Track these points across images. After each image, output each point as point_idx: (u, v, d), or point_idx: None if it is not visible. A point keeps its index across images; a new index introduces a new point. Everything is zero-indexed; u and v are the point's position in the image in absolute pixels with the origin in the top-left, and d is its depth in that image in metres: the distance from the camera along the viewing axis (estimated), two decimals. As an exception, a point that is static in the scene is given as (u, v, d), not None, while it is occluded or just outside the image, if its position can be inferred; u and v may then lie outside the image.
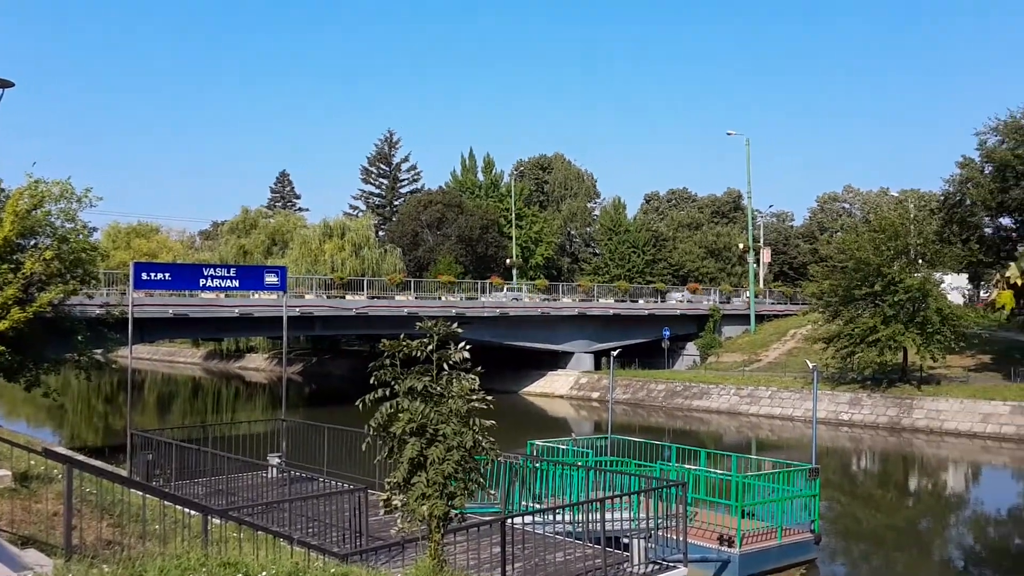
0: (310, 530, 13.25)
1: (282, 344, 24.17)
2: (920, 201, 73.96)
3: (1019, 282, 31.13)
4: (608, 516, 12.80)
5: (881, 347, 39.70)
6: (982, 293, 56.00)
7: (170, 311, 37.77)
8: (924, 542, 22.18)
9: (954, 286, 45.95)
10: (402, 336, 9.03)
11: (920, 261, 42.30)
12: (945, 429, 36.83)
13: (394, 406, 8.81)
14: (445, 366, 8.92)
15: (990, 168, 47.70)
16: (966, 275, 52.13)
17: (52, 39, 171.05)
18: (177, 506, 10.72)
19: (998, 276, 35.11)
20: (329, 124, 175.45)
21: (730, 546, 15.49)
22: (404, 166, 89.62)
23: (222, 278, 21.26)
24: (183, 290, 33.60)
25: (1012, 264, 34.95)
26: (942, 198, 54.39)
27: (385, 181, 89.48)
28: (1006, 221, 50.01)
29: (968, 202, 49.08)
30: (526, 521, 13.14)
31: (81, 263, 29.30)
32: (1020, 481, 30.95)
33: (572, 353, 55.09)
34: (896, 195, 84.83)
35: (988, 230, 50.68)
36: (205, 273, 21.46)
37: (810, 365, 22.49)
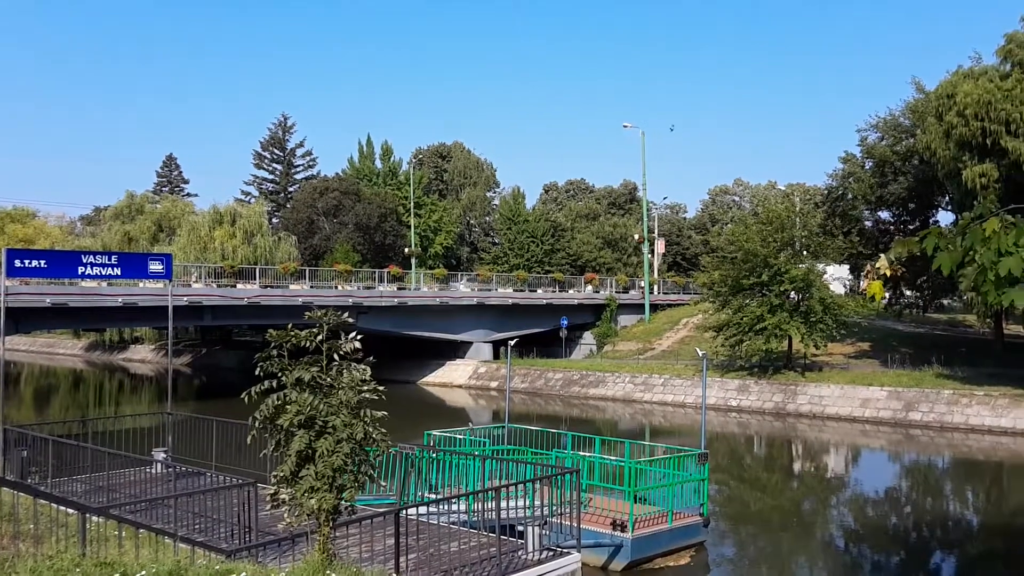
0: (197, 527, 12.81)
1: (168, 335, 23.29)
2: (805, 195, 77.12)
3: (888, 273, 32.72)
4: (504, 504, 12.84)
5: (768, 335, 41.14)
6: (861, 284, 58.78)
7: (47, 300, 35.97)
8: (807, 522, 23.10)
9: (836, 277, 48.06)
10: (290, 326, 8.78)
11: (804, 252, 44.00)
12: (827, 414, 38.46)
13: (281, 398, 8.57)
14: (335, 356, 8.73)
15: (870, 164, 50.08)
16: (847, 266, 54.57)
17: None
18: (53, 504, 10.24)
19: (868, 267, 36.85)
20: (219, 107, 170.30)
21: (623, 531, 15.76)
22: (299, 151, 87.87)
23: (103, 265, 20.27)
24: (62, 278, 31.98)
25: (882, 256, 36.55)
26: (826, 192, 56.83)
27: (279, 167, 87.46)
28: (884, 215, 52.64)
29: (850, 196, 51.42)
30: (421, 512, 13.05)
31: (-51, 249, 27.53)
32: (895, 463, 32.60)
33: (471, 343, 55.12)
34: (783, 189, 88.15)
35: (868, 223, 53.22)
36: (84, 260, 20.41)
37: (700, 353, 23.07)
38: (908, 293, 49.37)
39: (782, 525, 22.07)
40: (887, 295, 46.86)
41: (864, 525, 22.75)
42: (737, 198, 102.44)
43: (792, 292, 41.23)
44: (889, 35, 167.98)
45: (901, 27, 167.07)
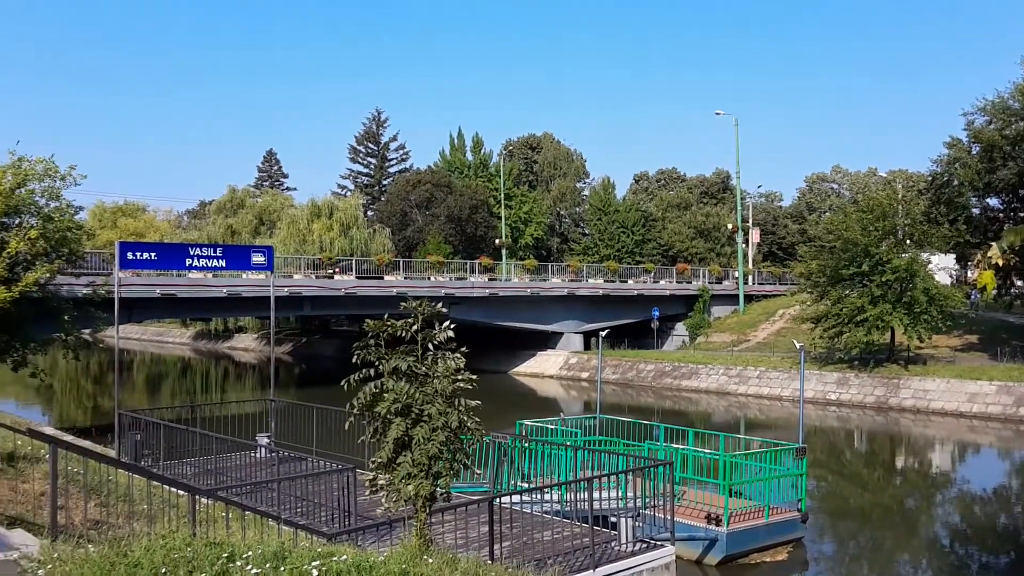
0: (298, 510, 13.26)
1: (270, 324, 24.11)
2: (908, 181, 74.19)
3: (1000, 262, 30.85)
4: (596, 495, 12.85)
5: (868, 327, 39.87)
6: (968, 274, 56.26)
7: (157, 291, 37.62)
8: (910, 520, 22.37)
9: (941, 266, 46.08)
10: (386, 316, 8.97)
11: (908, 241, 42.43)
12: (932, 409, 37.08)
13: (379, 386, 8.77)
14: (430, 346, 8.88)
15: (977, 149, 47.75)
16: (953, 256, 52.33)
17: (33, 18, 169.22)
18: (164, 486, 10.71)
19: (979, 256, 34.97)
20: (316, 103, 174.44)
21: (717, 525, 15.58)
22: (392, 145, 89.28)
23: (208, 257, 21.15)
24: (170, 270, 33.42)
25: (994, 244, 34.63)
26: (930, 179, 54.47)
27: (373, 160, 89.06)
28: (993, 202, 50.18)
29: (956, 183, 49.18)
30: (514, 500, 13.17)
31: (66, 242, 29.04)
32: (1005, 460, 31.21)
33: (562, 333, 55.17)
34: (884, 176, 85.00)
35: (975, 210, 50.82)
36: (191, 253, 21.35)
37: (797, 345, 22.57)
38: (1019, 283, 47.03)
39: (884, 522, 21.42)
40: (997, 285, 44.71)
41: (971, 524, 21.89)
42: (836, 186, 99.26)
43: (894, 282, 39.81)
44: (997, 15, 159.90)
45: (1009, 7, 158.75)
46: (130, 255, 20.28)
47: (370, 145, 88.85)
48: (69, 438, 19.09)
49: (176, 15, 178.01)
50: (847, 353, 42.99)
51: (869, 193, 56.10)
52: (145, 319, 59.41)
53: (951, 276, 52.17)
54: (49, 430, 19.68)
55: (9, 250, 26.34)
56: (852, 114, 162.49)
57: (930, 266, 42.01)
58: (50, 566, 6.85)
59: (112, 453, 18.12)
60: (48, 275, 27.80)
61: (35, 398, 45.12)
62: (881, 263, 39.96)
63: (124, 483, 11.32)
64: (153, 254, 21.24)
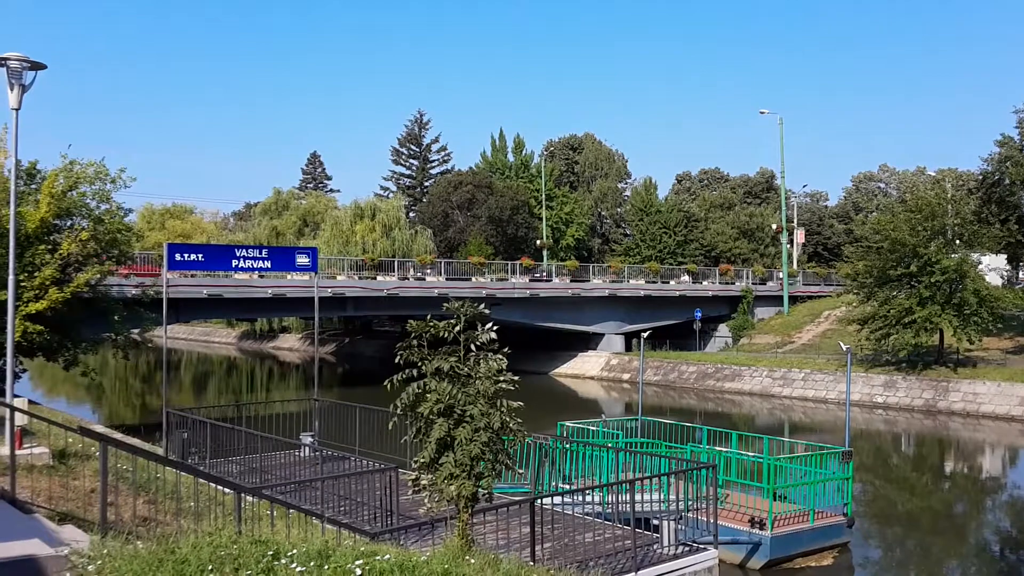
0: (342, 508, 13.37)
1: (314, 324, 24.34)
2: (957, 180, 72.72)
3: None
4: (638, 497, 12.79)
5: (917, 329, 39.14)
6: (1020, 274, 54.94)
7: (204, 292, 38.26)
8: (959, 526, 21.91)
9: (992, 267, 45.03)
10: (428, 317, 9.02)
11: (957, 242, 41.59)
12: (982, 412, 36.30)
13: (421, 387, 8.82)
14: (472, 347, 8.90)
15: (1030, 146, 46.70)
16: (1004, 256, 51.10)
17: (84, 20, 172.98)
18: (211, 484, 10.86)
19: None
20: (359, 106, 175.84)
21: (761, 528, 15.41)
22: (434, 147, 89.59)
23: (254, 259, 21.38)
24: (217, 271, 33.93)
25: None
26: (980, 177, 53.38)
27: (415, 162, 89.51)
28: (1047, 201, 48.99)
29: (1007, 181, 48.14)
30: (556, 502, 13.16)
31: (117, 244, 29.64)
32: (1059, 465, 30.43)
33: (603, 334, 54.96)
34: (933, 174, 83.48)
35: (1028, 210, 49.67)
36: (238, 254, 21.58)
37: (844, 347, 22.24)
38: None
39: (932, 528, 21.01)
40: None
41: (1022, 530, 21.37)
42: (883, 185, 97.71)
43: (944, 283, 39.02)
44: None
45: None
46: (178, 256, 20.56)
47: (412, 147, 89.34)
48: (119, 436, 19.41)
49: (221, 17, 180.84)
50: (894, 355, 42.25)
51: (917, 192, 55.02)
52: (192, 319, 60.46)
53: (1002, 277, 50.99)
54: (99, 428, 20.06)
55: (61, 251, 26.97)
56: (900, 112, 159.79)
57: (980, 267, 41.14)
58: (100, 562, 7.00)
59: (160, 451, 18.42)
60: (99, 276, 28.40)
61: (86, 396, 46.13)
62: (930, 264, 39.21)
63: (172, 481, 11.50)
64: (200, 255, 21.50)
